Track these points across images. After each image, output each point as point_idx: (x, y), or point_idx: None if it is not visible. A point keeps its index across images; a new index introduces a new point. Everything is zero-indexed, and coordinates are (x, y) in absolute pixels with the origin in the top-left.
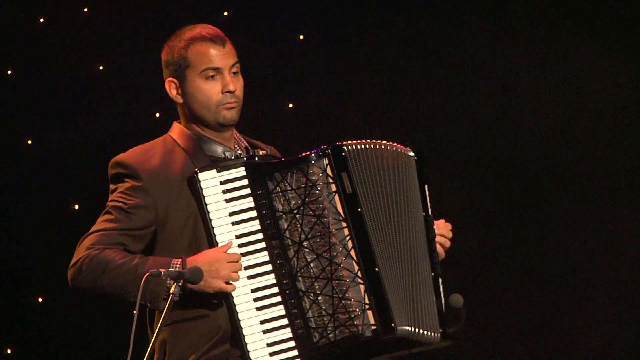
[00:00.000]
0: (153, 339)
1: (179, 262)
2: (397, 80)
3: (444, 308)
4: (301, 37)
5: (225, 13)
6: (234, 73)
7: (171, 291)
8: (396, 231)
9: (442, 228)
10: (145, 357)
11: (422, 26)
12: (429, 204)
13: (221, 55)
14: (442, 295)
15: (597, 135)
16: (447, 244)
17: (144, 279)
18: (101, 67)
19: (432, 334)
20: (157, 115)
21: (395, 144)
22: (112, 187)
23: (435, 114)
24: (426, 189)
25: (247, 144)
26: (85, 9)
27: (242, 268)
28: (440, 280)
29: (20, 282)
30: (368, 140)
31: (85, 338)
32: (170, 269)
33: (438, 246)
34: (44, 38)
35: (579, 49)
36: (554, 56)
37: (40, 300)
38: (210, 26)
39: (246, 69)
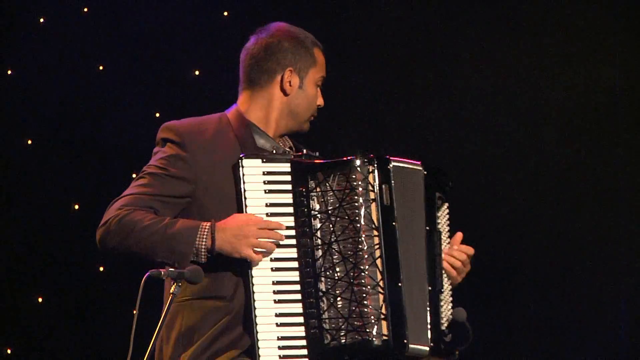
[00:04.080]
0: (155, 335)
1: (207, 225)
2: (398, 80)
3: (444, 322)
4: None
5: (225, 13)
6: None
7: (171, 291)
8: (413, 248)
9: (458, 251)
10: (146, 356)
11: (423, 26)
12: (440, 221)
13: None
14: (440, 310)
15: (597, 135)
16: (457, 263)
17: (143, 280)
18: (101, 67)
19: (423, 347)
20: (157, 115)
21: (411, 160)
22: (156, 149)
23: (436, 114)
24: (440, 207)
25: (291, 144)
26: (85, 9)
27: (273, 236)
28: (440, 296)
29: (20, 282)
30: (404, 159)
31: (85, 338)
32: (171, 269)
33: (449, 267)
34: (44, 38)
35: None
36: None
37: (40, 300)
38: None
39: None
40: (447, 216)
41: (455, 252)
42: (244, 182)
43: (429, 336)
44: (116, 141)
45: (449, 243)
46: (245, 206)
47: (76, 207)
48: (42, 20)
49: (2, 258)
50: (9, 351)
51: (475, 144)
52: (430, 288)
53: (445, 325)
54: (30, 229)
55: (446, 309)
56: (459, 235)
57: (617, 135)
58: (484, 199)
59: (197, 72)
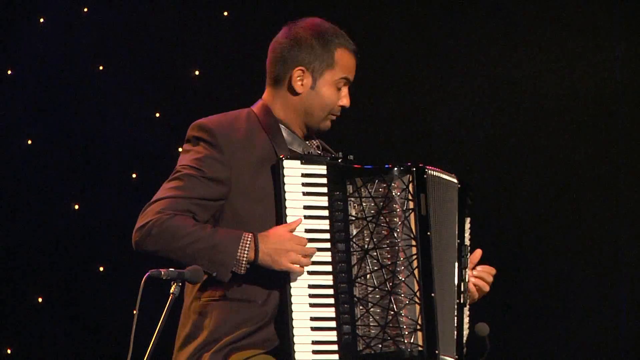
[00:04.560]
0: (155, 335)
1: (249, 236)
2: (397, 80)
3: (464, 336)
4: None
5: (225, 13)
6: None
7: (171, 291)
8: (444, 259)
9: (484, 271)
10: (146, 356)
11: (423, 26)
12: (466, 232)
13: (355, 70)
14: (464, 323)
15: (598, 135)
16: (486, 288)
17: (143, 280)
18: (101, 67)
19: (450, 358)
20: (157, 115)
21: (445, 172)
22: (187, 147)
23: (436, 114)
24: (466, 218)
25: (319, 143)
26: (85, 9)
27: (314, 252)
28: (464, 309)
29: (20, 282)
30: (438, 169)
31: (85, 338)
32: (171, 269)
33: (471, 285)
34: (44, 38)
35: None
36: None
37: (40, 300)
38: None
39: (246, 68)
40: (469, 230)
41: (484, 274)
42: (284, 184)
43: (455, 348)
44: (116, 141)
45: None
46: (285, 207)
47: (76, 207)
48: (42, 20)
49: (2, 258)
50: (9, 351)
51: (476, 142)
52: (458, 301)
53: (465, 338)
54: (30, 229)
55: (465, 323)
56: (479, 253)
57: (619, 131)
58: (484, 199)
59: (197, 72)
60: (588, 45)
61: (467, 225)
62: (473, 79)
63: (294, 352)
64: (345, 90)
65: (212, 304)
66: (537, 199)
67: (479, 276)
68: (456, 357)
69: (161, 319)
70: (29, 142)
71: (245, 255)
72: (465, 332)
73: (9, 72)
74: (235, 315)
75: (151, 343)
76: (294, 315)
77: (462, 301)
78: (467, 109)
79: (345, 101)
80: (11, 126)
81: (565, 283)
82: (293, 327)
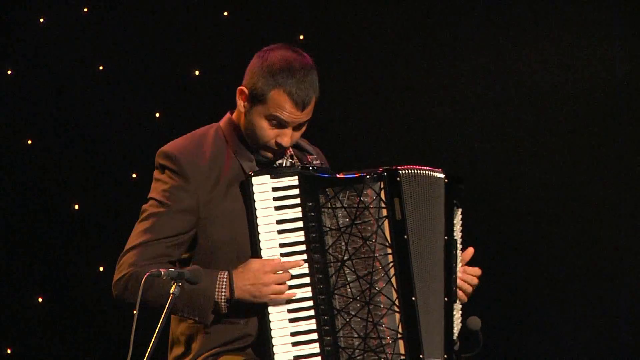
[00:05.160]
0: (155, 335)
1: (225, 276)
2: (398, 80)
3: (455, 332)
4: (301, 37)
5: (225, 13)
6: (299, 128)
7: (171, 291)
8: (428, 257)
9: (470, 272)
10: (146, 356)
11: (424, 26)
12: (455, 228)
13: (294, 117)
14: (454, 319)
15: (598, 135)
16: (469, 289)
17: (143, 279)
18: (101, 67)
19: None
20: (157, 115)
21: (430, 168)
22: (156, 174)
23: (437, 115)
24: (455, 213)
25: (291, 151)
26: (85, 9)
27: (290, 277)
28: (454, 306)
29: (20, 282)
30: (416, 166)
31: (85, 338)
32: (171, 269)
33: (460, 292)
34: (44, 38)
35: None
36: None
37: (40, 300)
38: (307, 68)
39: (246, 68)
40: (461, 222)
41: (468, 277)
42: (254, 201)
43: (443, 348)
44: (116, 141)
45: (461, 250)
46: (257, 225)
47: (76, 207)
48: (42, 20)
49: (2, 258)
50: (9, 351)
51: (476, 140)
52: (446, 299)
53: (456, 334)
54: (30, 229)
55: (457, 318)
56: (470, 251)
57: (619, 128)
58: (484, 197)
59: (197, 72)
60: (587, 41)
61: (458, 218)
62: (473, 75)
63: None
64: (282, 130)
65: (196, 326)
66: (538, 195)
67: (464, 279)
68: (444, 357)
69: (161, 319)
70: (29, 142)
71: (223, 296)
72: (457, 328)
73: (9, 72)
74: (220, 337)
75: (151, 343)
76: (273, 332)
77: (450, 299)
78: (467, 106)
79: (284, 142)
80: (11, 126)
81: (563, 280)
82: (273, 346)
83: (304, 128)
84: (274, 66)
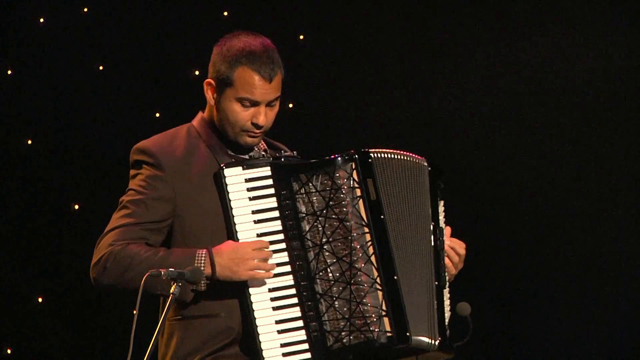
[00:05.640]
0: (155, 335)
1: (204, 252)
2: (398, 80)
3: (446, 318)
4: (301, 37)
5: (225, 13)
6: (272, 105)
7: (171, 291)
8: (410, 241)
9: (455, 243)
10: (146, 356)
11: (424, 26)
12: (440, 215)
13: (264, 91)
14: (445, 305)
15: (599, 134)
16: (455, 258)
17: (143, 279)
18: (101, 67)
19: (433, 341)
20: (157, 115)
21: (412, 154)
22: (132, 172)
23: (437, 115)
24: (439, 200)
25: (265, 147)
26: (85, 9)
27: (271, 256)
28: (444, 290)
29: (20, 282)
30: (392, 150)
31: (85, 338)
32: (171, 269)
33: (447, 261)
34: (44, 38)
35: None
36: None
37: (40, 300)
38: (267, 46)
39: None
40: (443, 213)
41: (456, 245)
42: (227, 192)
43: (437, 330)
44: (116, 141)
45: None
46: (233, 216)
47: (76, 207)
48: (42, 20)
49: (2, 258)
50: (9, 351)
51: (476, 143)
52: (437, 282)
53: (447, 321)
54: (30, 229)
55: (446, 305)
56: (448, 230)
57: (620, 122)
58: (484, 195)
59: (197, 72)
60: (587, 36)
61: (441, 209)
62: (474, 72)
63: (263, 358)
64: (259, 109)
65: (175, 324)
66: (537, 189)
67: (450, 246)
68: (439, 338)
69: (161, 319)
70: (29, 142)
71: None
72: (447, 315)
73: (9, 72)
74: (200, 332)
75: (151, 343)
76: (258, 322)
77: (440, 282)
78: (467, 103)
79: (260, 120)
80: (11, 126)
81: (561, 276)
82: (259, 334)
83: (276, 107)
84: (233, 48)
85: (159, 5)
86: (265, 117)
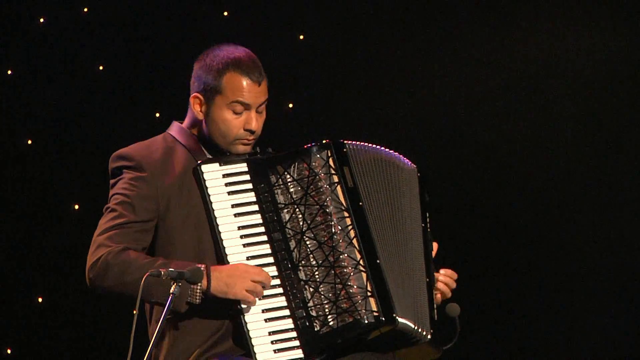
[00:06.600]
0: (154, 336)
1: (202, 266)
2: (399, 80)
3: (436, 316)
4: (301, 37)
5: (225, 13)
6: (259, 111)
7: (171, 291)
8: (394, 232)
9: (448, 274)
10: (146, 356)
11: (424, 26)
12: (427, 220)
13: (254, 94)
14: (434, 302)
15: (599, 134)
16: (448, 294)
17: (143, 279)
18: (101, 67)
19: (425, 332)
20: (157, 115)
21: (398, 154)
22: (112, 181)
23: (438, 114)
24: (426, 206)
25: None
26: (85, 9)
27: (270, 283)
28: (433, 291)
29: (20, 282)
30: (369, 144)
31: (85, 338)
32: (171, 269)
33: (444, 287)
34: (44, 38)
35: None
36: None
37: (40, 300)
38: (250, 54)
39: None
40: (428, 220)
41: (449, 280)
42: (206, 188)
43: (428, 323)
44: (116, 141)
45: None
46: (212, 210)
47: (76, 207)
48: (42, 20)
49: (2, 258)
50: (9, 351)
51: (477, 143)
52: (428, 280)
53: (436, 317)
54: (30, 229)
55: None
56: (435, 246)
57: (621, 120)
58: (486, 191)
59: None
60: (587, 32)
61: (428, 220)
62: (474, 70)
63: (253, 346)
64: (250, 115)
65: (169, 324)
66: (538, 187)
67: (444, 282)
68: (431, 331)
69: (161, 319)
70: (29, 142)
71: (199, 285)
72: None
73: (9, 72)
74: (191, 331)
75: (151, 343)
76: (244, 313)
77: (431, 280)
78: (467, 101)
79: (253, 126)
80: (11, 126)
81: (561, 276)
82: (247, 322)
83: (264, 113)
84: (217, 58)
85: (159, 6)
86: (256, 122)
